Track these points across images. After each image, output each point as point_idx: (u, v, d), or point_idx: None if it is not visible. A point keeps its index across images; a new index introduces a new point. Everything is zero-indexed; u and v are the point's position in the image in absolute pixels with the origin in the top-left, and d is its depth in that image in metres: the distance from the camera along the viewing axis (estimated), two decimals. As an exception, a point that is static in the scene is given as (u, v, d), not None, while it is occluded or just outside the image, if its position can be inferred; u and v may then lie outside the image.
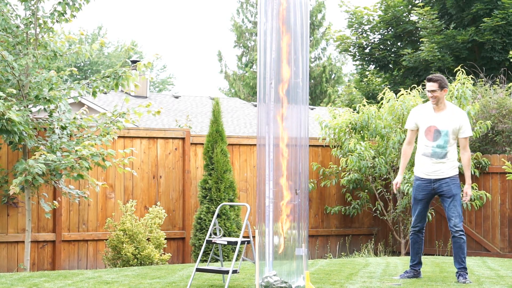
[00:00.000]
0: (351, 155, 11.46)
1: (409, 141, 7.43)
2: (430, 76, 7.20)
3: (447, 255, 11.42)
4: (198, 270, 6.80)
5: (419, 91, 12.16)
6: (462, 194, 7.37)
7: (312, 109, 24.78)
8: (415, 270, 7.46)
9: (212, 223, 6.89)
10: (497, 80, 15.67)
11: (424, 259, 9.74)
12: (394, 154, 11.58)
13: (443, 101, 7.21)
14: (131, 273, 7.92)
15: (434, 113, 7.22)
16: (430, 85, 7.12)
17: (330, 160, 12.22)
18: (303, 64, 6.71)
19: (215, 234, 7.07)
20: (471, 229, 11.66)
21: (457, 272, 7.22)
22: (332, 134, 11.98)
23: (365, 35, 20.88)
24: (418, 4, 19.82)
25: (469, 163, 7.26)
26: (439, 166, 7.17)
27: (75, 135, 9.57)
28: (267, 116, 6.67)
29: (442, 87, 7.12)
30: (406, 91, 11.80)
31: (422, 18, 18.87)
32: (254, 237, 6.82)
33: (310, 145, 11.84)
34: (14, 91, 8.99)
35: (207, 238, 6.87)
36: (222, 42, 72.82)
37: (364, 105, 12.00)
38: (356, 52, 21.13)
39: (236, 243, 6.77)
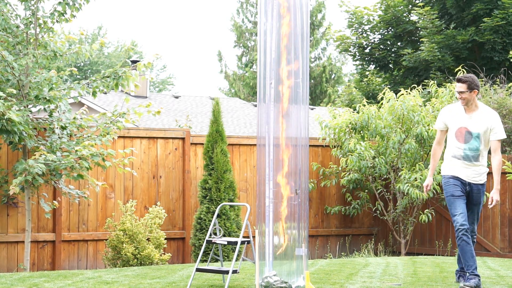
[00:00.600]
0: (351, 155, 11.46)
1: (439, 141, 7.13)
2: (459, 76, 6.89)
3: (447, 255, 11.42)
4: (198, 270, 6.80)
5: (419, 91, 12.15)
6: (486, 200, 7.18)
7: (312, 109, 24.78)
8: (477, 276, 6.72)
9: (212, 223, 6.88)
10: (497, 80, 15.68)
11: (424, 259, 9.74)
12: (394, 154, 11.58)
13: (473, 102, 6.89)
14: (131, 273, 7.92)
15: (465, 114, 6.91)
16: (459, 86, 6.83)
17: (330, 160, 12.22)
18: (303, 64, 6.70)
19: (215, 234, 7.07)
20: (471, 229, 11.66)
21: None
22: (332, 134, 11.98)
23: (365, 35, 20.88)
24: (418, 4, 19.82)
25: (499, 167, 6.84)
26: (471, 171, 6.87)
27: (75, 135, 9.57)
28: (267, 116, 6.67)
29: (471, 88, 6.80)
30: (406, 91, 11.80)
31: (422, 18, 18.87)
32: (254, 237, 6.82)
33: (310, 145, 11.84)
34: (14, 91, 8.99)
35: (207, 238, 6.87)
36: (222, 42, 72.85)
37: (364, 105, 12.00)
38: (356, 52, 21.13)
39: (236, 243, 6.77)
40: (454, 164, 6.91)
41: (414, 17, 20.18)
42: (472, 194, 6.91)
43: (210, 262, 9.07)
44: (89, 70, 44.41)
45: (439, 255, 11.65)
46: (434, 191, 11.32)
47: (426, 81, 13.60)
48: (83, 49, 9.44)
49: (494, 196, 6.81)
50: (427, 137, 11.20)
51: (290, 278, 6.61)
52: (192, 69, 72.69)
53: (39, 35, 9.35)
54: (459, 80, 6.84)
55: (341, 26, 24.39)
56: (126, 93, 22.18)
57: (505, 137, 6.95)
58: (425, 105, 12.08)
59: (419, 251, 12.13)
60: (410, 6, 20.21)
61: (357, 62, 22.09)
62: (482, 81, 14.36)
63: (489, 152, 7.01)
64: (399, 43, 20.66)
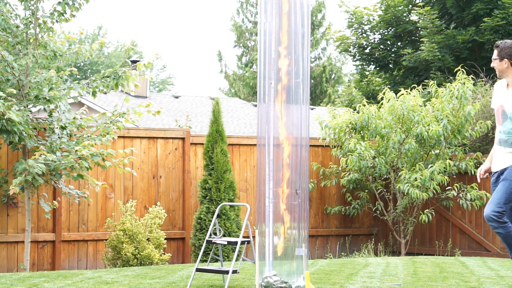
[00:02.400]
0: (351, 155, 11.45)
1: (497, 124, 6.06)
2: (497, 41, 5.96)
3: (447, 255, 11.42)
4: (198, 270, 6.79)
5: (419, 91, 12.14)
6: None
7: (312, 109, 24.78)
8: None
9: (212, 223, 6.88)
10: (497, 80, 15.68)
11: (424, 259, 9.73)
12: (394, 154, 11.57)
13: (509, 75, 5.88)
14: (131, 273, 7.91)
15: (505, 90, 5.92)
16: (494, 53, 5.90)
17: (330, 160, 12.22)
18: (303, 64, 6.70)
19: (215, 234, 7.06)
20: (471, 229, 11.65)
21: None
22: (332, 134, 11.97)
23: (365, 35, 20.88)
24: (418, 4, 19.82)
25: None
26: (500, 158, 5.86)
27: (75, 135, 9.57)
28: (267, 116, 6.66)
29: (502, 57, 5.83)
30: (406, 91, 11.79)
31: (422, 18, 18.87)
32: (254, 237, 6.82)
33: (310, 145, 11.83)
34: (14, 91, 8.99)
35: (207, 238, 6.86)
36: (222, 42, 72.85)
37: (364, 105, 11.99)
38: (356, 52, 21.13)
39: (236, 243, 6.77)
40: (495, 154, 5.95)
41: (414, 17, 20.18)
42: (502, 176, 5.82)
43: (210, 262, 9.07)
44: (89, 70, 44.42)
45: (439, 255, 11.65)
46: (434, 191, 11.32)
47: (426, 81, 13.59)
48: (83, 49, 9.44)
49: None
50: (427, 137, 11.20)
51: (290, 278, 6.60)
52: (192, 69, 72.71)
53: (39, 35, 9.34)
54: (495, 46, 5.94)
55: (341, 26, 24.41)
56: (126, 93, 22.17)
57: None
58: (425, 105, 12.08)
59: (419, 251, 12.13)
60: (410, 6, 20.20)
61: (357, 62, 22.09)
62: (482, 81, 14.36)
63: None
64: (399, 43, 20.66)
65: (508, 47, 5.80)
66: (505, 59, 5.80)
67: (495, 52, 5.86)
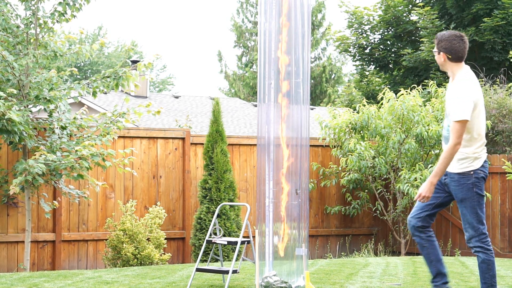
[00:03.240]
0: (351, 155, 11.46)
1: None
2: (438, 33, 5.55)
3: (447, 255, 11.42)
4: (198, 270, 6.80)
5: (419, 91, 12.15)
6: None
7: (312, 109, 24.78)
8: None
9: (212, 223, 6.89)
10: (497, 80, 15.68)
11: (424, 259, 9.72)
12: (394, 154, 11.58)
13: (448, 69, 5.45)
14: (131, 273, 7.92)
15: (450, 84, 5.58)
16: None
17: (330, 160, 12.22)
18: (303, 64, 6.70)
19: (215, 234, 7.07)
20: (471, 229, 11.66)
21: None
22: (332, 134, 11.98)
23: (365, 35, 20.88)
24: (418, 4, 19.83)
25: (444, 155, 5.23)
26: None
27: (75, 135, 9.57)
28: (267, 116, 6.67)
29: (439, 50, 5.42)
30: (406, 91, 11.80)
31: (422, 18, 18.88)
32: (254, 237, 6.82)
33: (310, 145, 11.82)
34: (15, 91, 9.00)
35: (207, 238, 6.87)
36: (222, 42, 72.85)
37: (364, 105, 12.00)
38: (356, 52, 21.13)
39: (236, 243, 6.77)
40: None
41: (414, 17, 20.18)
42: (449, 187, 5.45)
43: (210, 262, 9.07)
44: (89, 70, 44.41)
45: (439, 255, 11.64)
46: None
47: (426, 81, 13.61)
48: (83, 49, 9.44)
49: (420, 188, 5.37)
50: (427, 137, 11.21)
51: (290, 278, 6.61)
52: (192, 69, 72.71)
53: (39, 35, 9.35)
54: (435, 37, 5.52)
55: (341, 26, 24.41)
56: (126, 93, 22.17)
57: (459, 119, 5.17)
58: (425, 105, 12.09)
59: (419, 251, 12.12)
60: (410, 6, 20.21)
61: (357, 62, 22.10)
62: (482, 81, 14.36)
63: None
64: (399, 43, 20.66)
65: (444, 39, 5.38)
66: (442, 53, 5.39)
67: (434, 44, 5.48)
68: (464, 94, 5.24)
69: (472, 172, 5.33)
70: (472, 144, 5.33)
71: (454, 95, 5.28)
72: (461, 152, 5.31)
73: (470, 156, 5.33)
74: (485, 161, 5.40)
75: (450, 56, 5.36)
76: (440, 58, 5.42)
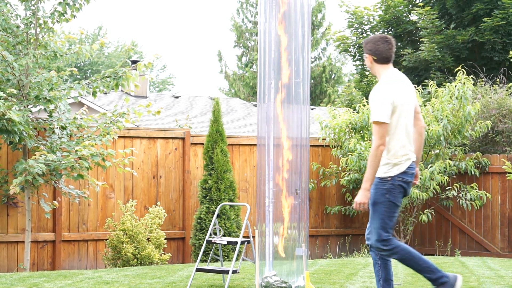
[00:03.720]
0: (351, 155, 11.46)
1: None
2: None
3: (447, 255, 11.43)
4: (198, 270, 6.80)
5: (419, 91, 12.15)
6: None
7: (312, 109, 24.78)
8: None
9: (212, 223, 6.89)
10: (497, 80, 15.68)
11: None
12: (394, 154, 11.57)
13: (375, 71, 5.36)
14: (131, 273, 7.92)
15: None
16: None
17: (330, 160, 12.22)
18: (303, 64, 6.70)
19: (215, 234, 7.07)
20: (471, 229, 11.66)
21: None
22: (332, 134, 11.98)
23: (365, 35, 20.89)
24: (418, 4, 19.84)
25: (371, 158, 5.09)
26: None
27: (75, 135, 9.57)
28: (267, 116, 6.67)
29: (365, 52, 5.36)
30: (406, 91, 11.77)
31: (422, 18, 18.88)
32: (254, 237, 6.83)
33: (310, 145, 11.82)
34: (15, 91, 9.00)
35: (207, 238, 6.87)
36: (222, 42, 72.85)
37: (364, 105, 12.00)
38: (356, 52, 21.14)
39: (236, 243, 6.77)
40: None
41: (414, 17, 20.19)
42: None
43: (210, 262, 9.07)
44: (89, 70, 44.42)
45: (439, 255, 11.65)
46: (434, 191, 11.33)
47: (426, 81, 13.60)
48: (83, 49, 9.44)
49: (356, 197, 5.20)
50: (427, 137, 11.21)
51: (290, 278, 6.61)
52: (192, 69, 72.71)
53: (39, 35, 9.35)
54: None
55: (341, 26, 24.41)
56: (126, 93, 22.17)
57: (377, 120, 5.08)
58: (425, 105, 12.09)
59: (419, 251, 12.09)
60: (410, 6, 20.22)
61: (357, 62, 22.11)
62: (482, 81, 14.36)
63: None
64: (399, 43, 20.68)
65: (369, 42, 5.29)
66: (368, 55, 5.30)
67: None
68: (381, 96, 5.13)
69: (389, 178, 5.14)
70: (391, 149, 5.15)
71: (373, 97, 5.18)
72: (383, 157, 5.16)
73: (390, 162, 5.15)
74: (409, 167, 5.18)
75: (375, 58, 5.25)
76: (367, 61, 5.34)
